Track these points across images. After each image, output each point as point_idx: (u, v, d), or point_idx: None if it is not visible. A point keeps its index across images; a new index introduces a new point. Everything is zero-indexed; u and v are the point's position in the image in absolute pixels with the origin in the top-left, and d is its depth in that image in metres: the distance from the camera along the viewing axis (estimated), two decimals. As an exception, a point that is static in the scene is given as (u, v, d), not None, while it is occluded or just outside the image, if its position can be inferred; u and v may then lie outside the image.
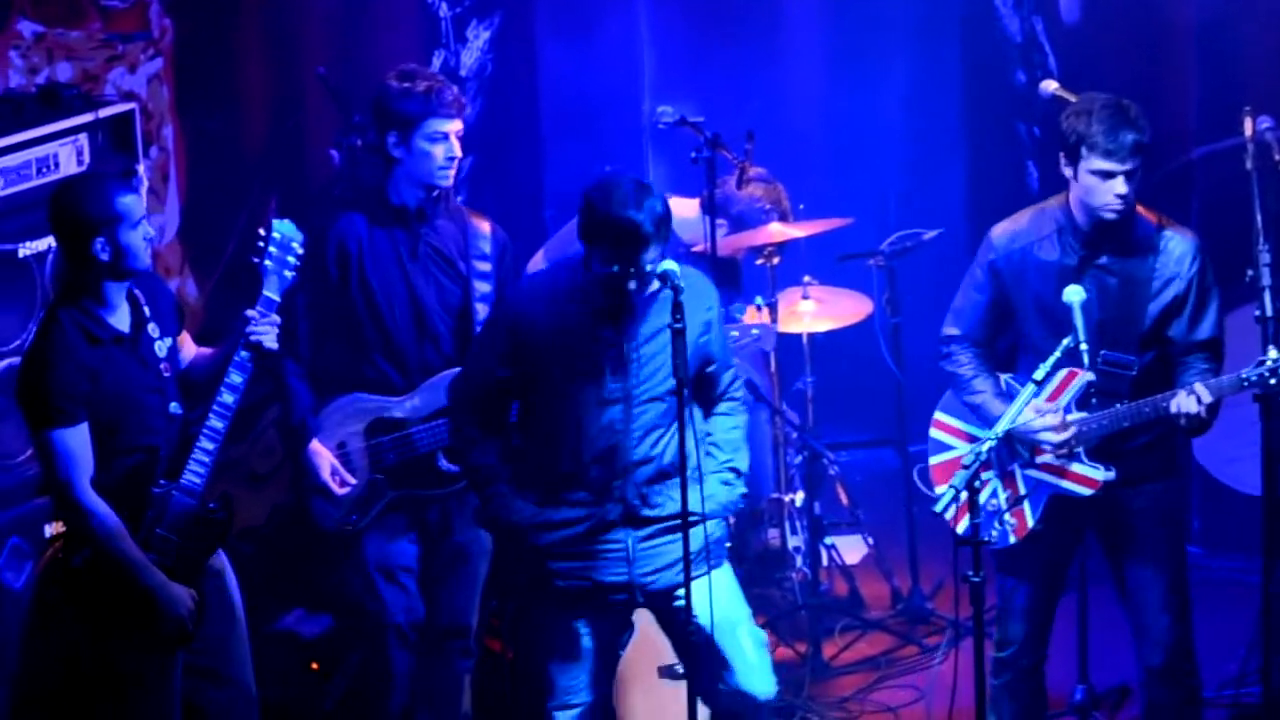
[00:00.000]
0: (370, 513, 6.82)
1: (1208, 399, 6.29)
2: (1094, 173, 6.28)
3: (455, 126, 6.70)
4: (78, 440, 6.03)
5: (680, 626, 6.28)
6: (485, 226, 6.88)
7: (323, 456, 6.75)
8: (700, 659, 6.30)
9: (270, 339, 6.22)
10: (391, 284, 6.75)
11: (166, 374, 6.20)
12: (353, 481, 6.77)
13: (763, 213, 8.21)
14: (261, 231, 6.30)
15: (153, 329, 6.17)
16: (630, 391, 6.17)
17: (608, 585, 6.26)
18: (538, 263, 7.99)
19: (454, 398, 6.48)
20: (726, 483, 6.34)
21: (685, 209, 7.76)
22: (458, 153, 6.72)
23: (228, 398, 6.16)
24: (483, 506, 6.37)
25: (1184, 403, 6.30)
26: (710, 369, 6.35)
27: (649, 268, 6.02)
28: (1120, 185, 6.27)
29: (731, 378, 6.45)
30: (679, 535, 6.07)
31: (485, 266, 6.84)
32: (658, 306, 6.14)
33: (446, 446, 6.73)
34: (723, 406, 6.43)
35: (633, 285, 6.05)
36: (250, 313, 6.22)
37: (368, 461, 6.79)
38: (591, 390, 6.17)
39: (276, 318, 6.25)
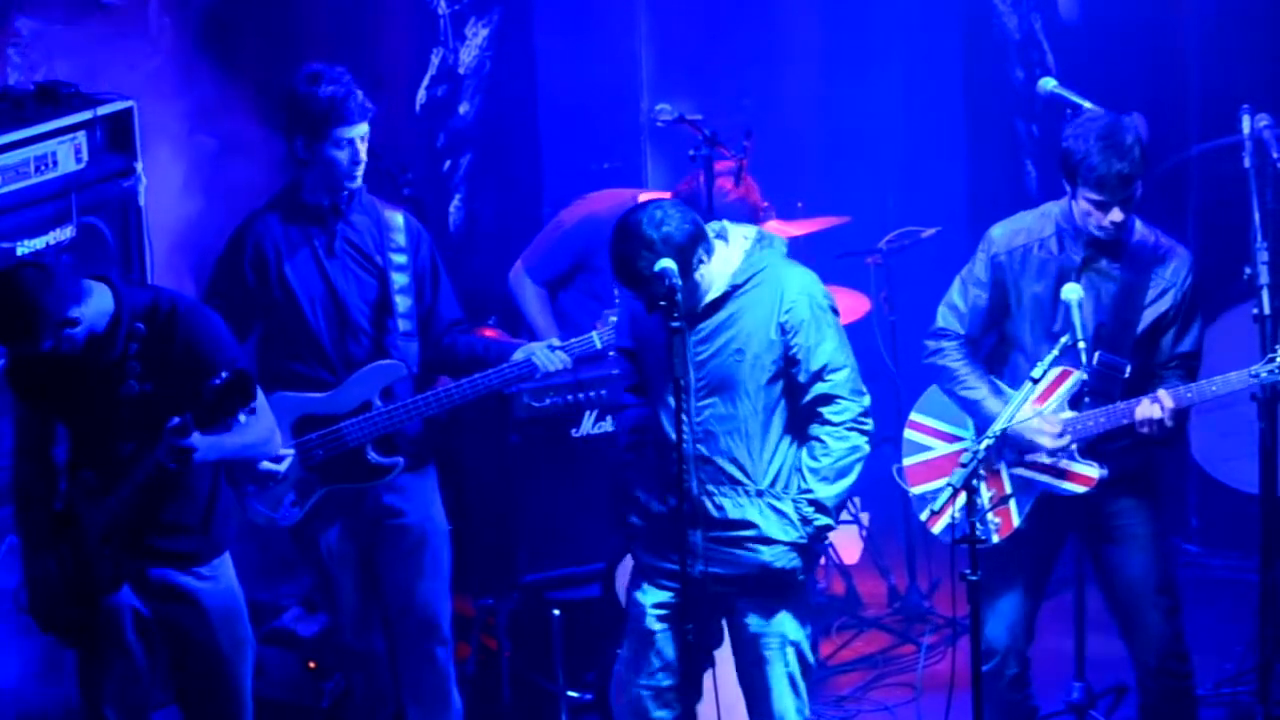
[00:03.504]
0: (302, 509, 6.82)
1: (1170, 405, 6.33)
2: (1089, 200, 6.32)
3: (360, 131, 6.71)
4: (23, 418, 6.21)
5: (741, 643, 6.33)
6: (398, 218, 6.91)
7: None
8: (742, 667, 6.38)
9: (184, 462, 6.00)
10: (311, 282, 6.77)
11: (124, 413, 6.11)
12: (287, 453, 6.73)
13: (731, 209, 8.08)
14: (237, 366, 6.06)
15: (132, 367, 6.08)
16: (692, 385, 6.14)
17: (668, 571, 6.22)
18: (517, 271, 7.99)
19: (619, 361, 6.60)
20: (802, 514, 6.21)
21: None
22: (363, 157, 6.73)
23: (139, 476, 6.09)
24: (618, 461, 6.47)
25: (1147, 410, 6.34)
26: (792, 370, 6.20)
27: (671, 293, 5.99)
28: (1115, 214, 6.32)
29: (825, 392, 6.20)
30: (747, 547, 6.17)
31: (401, 259, 6.86)
32: (728, 305, 6.15)
33: (377, 438, 6.76)
34: (819, 430, 6.22)
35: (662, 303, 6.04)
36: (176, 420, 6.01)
37: (297, 459, 6.78)
38: (663, 379, 6.17)
39: (197, 435, 5.95)
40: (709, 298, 6.17)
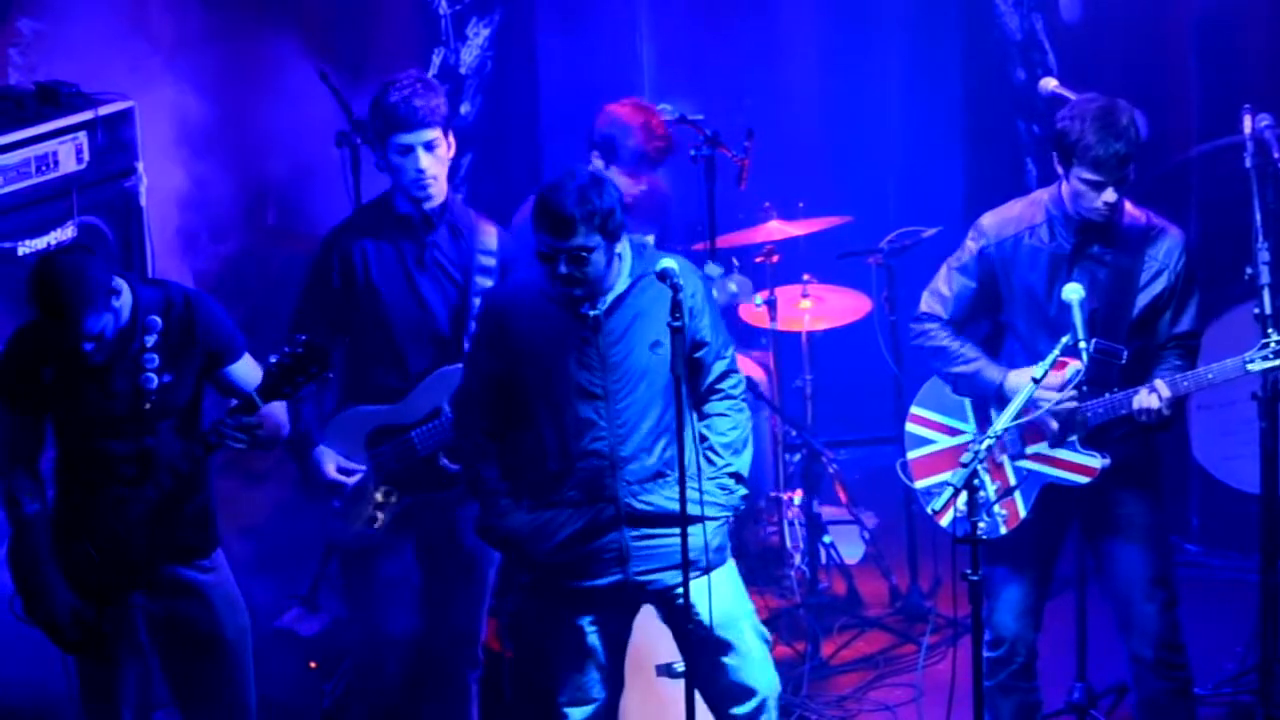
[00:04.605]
0: (384, 523, 6.80)
1: (1166, 394, 6.34)
2: (1084, 181, 6.32)
3: (425, 137, 6.62)
4: (21, 429, 6.16)
5: (683, 625, 6.27)
6: (491, 229, 6.84)
7: (326, 454, 6.74)
8: (702, 657, 6.30)
9: (241, 441, 6.07)
10: (399, 293, 6.73)
11: (146, 407, 6.13)
12: (360, 469, 6.75)
13: (634, 153, 7.82)
14: (303, 337, 6.10)
15: (148, 359, 6.11)
16: (609, 388, 6.17)
17: (603, 587, 6.25)
18: None
19: (456, 403, 6.50)
20: (724, 488, 6.32)
21: None
22: (424, 165, 6.63)
23: (183, 466, 6.13)
24: (482, 515, 6.36)
25: (1144, 400, 6.35)
26: (698, 354, 6.30)
27: (582, 254, 6.01)
28: (1109, 195, 6.32)
29: (724, 369, 6.36)
30: (675, 534, 6.06)
31: (489, 261, 6.79)
32: (631, 302, 6.16)
33: (448, 445, 6.73)
34: (720, 405, 6.35)
35: (562, 269, 6.03)
36: (235, 400, 6.11)
37: (372, 471, 6.78)
38: (572, 385, 6.18)
39: (255, 419, 6.06)
40: (613, 294, 6.16)
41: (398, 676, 6.97)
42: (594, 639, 6.35)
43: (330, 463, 6.75)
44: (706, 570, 6.26)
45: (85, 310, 5.91)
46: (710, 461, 6.31)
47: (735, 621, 6.35)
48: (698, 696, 6.32)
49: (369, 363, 6.79)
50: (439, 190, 6.71)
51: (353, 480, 6.75)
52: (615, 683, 6.46)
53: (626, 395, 6.18)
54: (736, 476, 6.34)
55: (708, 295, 6.34)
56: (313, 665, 7.54)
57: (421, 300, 6.76)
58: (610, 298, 6.17)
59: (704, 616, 6.24)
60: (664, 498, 6.20)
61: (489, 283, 6.76)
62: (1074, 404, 6.44)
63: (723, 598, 6.27)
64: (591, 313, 6.12)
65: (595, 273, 6.08)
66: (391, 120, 6.62)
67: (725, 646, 6.34)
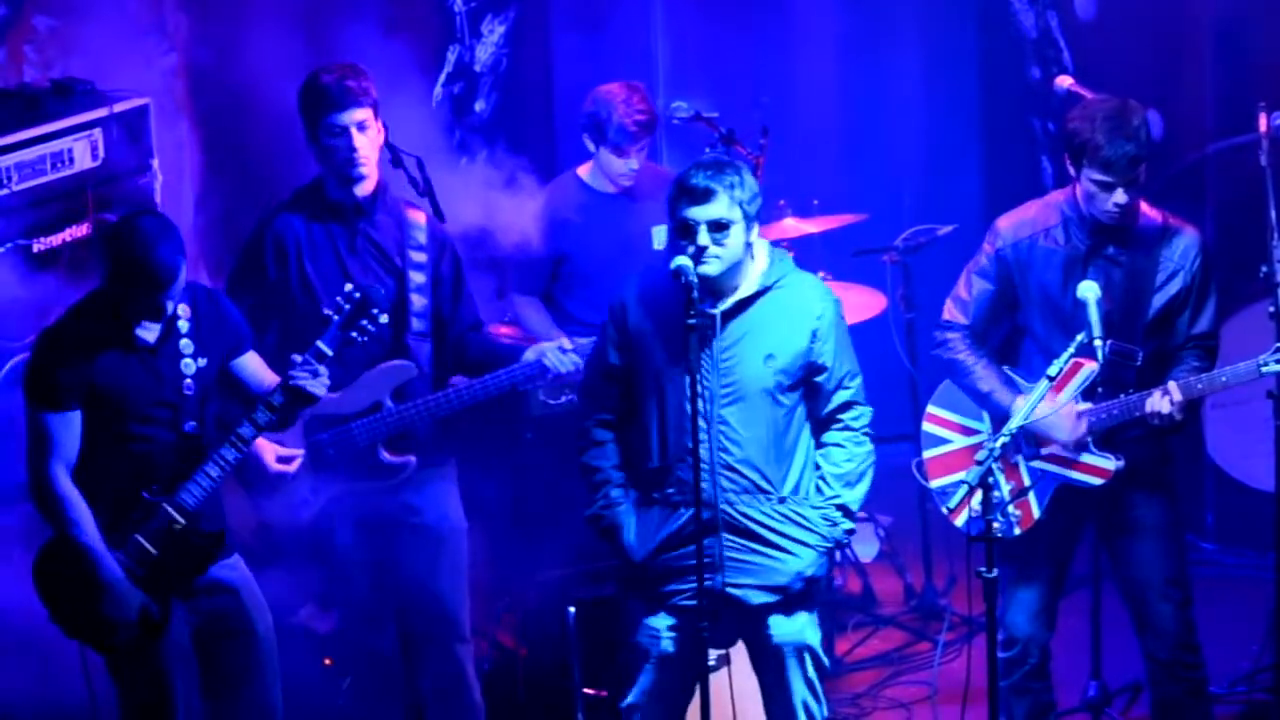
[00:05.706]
0: (315, 507, 6.81)
1: (1178, 397, 6.33)
2: (1094, 182, 6.32)
3: (358, 116, 6.65)
4: (64, 426, 6.07)
5: (762, 651, 6.28)
6: (420, 218, 6.86)
7: (264, 446, 6.70)
8: (761, 677, 6.35)
9: (316, 386, 6.17)
10: (331, 279, 6.72)
11: (188, 391, 6.16)
12: (297, 453, 6.73)
13: (621, 130, 7.78)
14: (349, 288, 6.27)
15: (185, 345, 6.15)
16: (714, 392, 6.09)
17: (690, 593, 6.16)
18: (519, 300, 7.96)
19: (581, 391, 6.50)
20: (828, 519, 6.23)
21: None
22: (357, 145, 6.66)
23: (247, 431, 6.17)
24: (591, 503, 6.34)
25: (1156, 403, 6.34)
26: (817, 379, 6.22)
27: (723, 224, 5.97)
28: (1120, 196, 6.32)
29: (846, 399, 6.26)
30: (772, 553, 6.12)
31: (421, 257, 6.81)
32: (754, 310, 6.11)
33: (389, 438, 6.75)
34: (837, 435, 6.26)
35: (702, 241, 5.97)
36: (296, 357, 6.20)
37: (309, 458, 6.77)
38: (678, 385, 6.12)
39: (323, 369, 6.19)
40: (737, 295, 6.12)
41: (382, 654, 6.99)
42: (669, 645, 6.29)
43: (268, 452, 6.71)
44: (791, 598, 6.22)
45: (180, 265, 5.96)
46: (819, 490, 6.24)
47: (791, 657, 6.28)
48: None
49: (302, 348, 6.78)
50: (370, 172, 6.75)
51: (293, 469, 6.74)
52: (682, 693, 6.35)
53: (731, 401, 6.11)
54: (844, 510, 6.25)
55: (837, 322, 6.24)
56: (328, 661, 7.54)
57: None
58: (732, 300, 6.11)
59: (777, 638, 6.25)
60: (761, 513, 6.14)
61: (422, 278, 6.79)
62: (1085, 404, 6.44)
63: (791, 629, 6.26)
64: (711, 310, 6.04)
65: (733, 252, 6.02)
66: (324, 101, 6.64)
67: (778, 677, 6.31)
